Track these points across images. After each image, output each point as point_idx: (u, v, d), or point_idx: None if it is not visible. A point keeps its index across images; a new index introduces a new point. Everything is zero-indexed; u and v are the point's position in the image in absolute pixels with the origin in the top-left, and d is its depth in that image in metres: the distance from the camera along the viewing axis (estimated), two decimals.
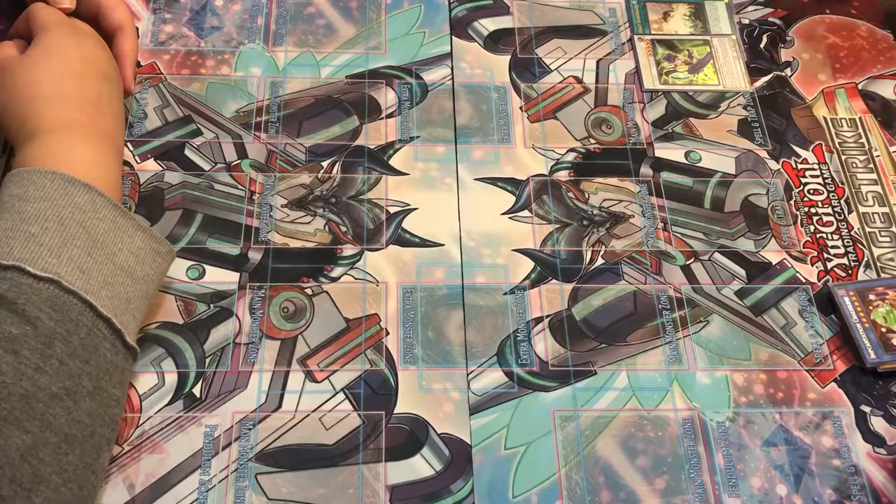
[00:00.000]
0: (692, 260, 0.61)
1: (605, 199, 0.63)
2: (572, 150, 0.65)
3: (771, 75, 0.70)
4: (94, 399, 0.46)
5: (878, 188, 0.65)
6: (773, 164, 0.66)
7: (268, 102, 0.65)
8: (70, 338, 0.45)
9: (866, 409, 0.56)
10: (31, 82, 0.54)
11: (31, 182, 0.49)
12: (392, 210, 0.61)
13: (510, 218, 0.62)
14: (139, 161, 0.62)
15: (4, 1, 0.67)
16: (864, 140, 0.67)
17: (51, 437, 0.43)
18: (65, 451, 0.44)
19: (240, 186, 0.62)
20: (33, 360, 0.44)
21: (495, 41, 0.70)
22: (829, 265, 0.61)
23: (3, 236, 0.47)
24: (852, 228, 0.63)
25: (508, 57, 0.69)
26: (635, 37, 0.71)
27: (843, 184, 0.65)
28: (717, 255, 0.61)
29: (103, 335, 0.47)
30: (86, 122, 0.54)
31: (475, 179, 0.63)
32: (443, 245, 0.60)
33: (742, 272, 0.61)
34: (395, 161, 0.64)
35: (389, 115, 0.66)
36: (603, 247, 0.61)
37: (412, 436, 0.53)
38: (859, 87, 0.70)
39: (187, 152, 0.63)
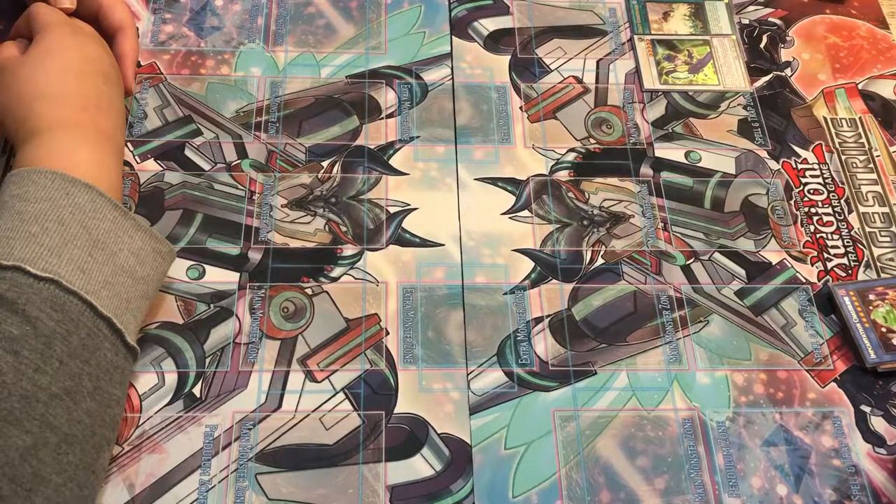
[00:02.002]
0: (692, 260, 0.61)
1: (605, 199, 0.63)
2: (572, 150, 0.65)
3: (771, 75, 0.70)
4: (94, 399, 0.46)
5: (878, 188, 0.65)
6: (773, 164, 0.66)
7: (268, 102, 0.65)
8: (70, 338, 0.45)
9: (866, 408, 0.56)
10: (32, 82, 0.54)
11: (32, 182, 0.49)
12: (392, 210, 0.61)
13: (510, 218, 0.62)
14: (139, 161, 0.62)
15: (4, 1, 0.67)
16: (864, 140, 0.67)
17: (51, 437, 0.43)
18: (65, 451, 0.44)
19: (240, 186, 0.62)
20: (33, 361, 0.44)
21: (495, 41, 0.70)
22: (829, 265, 0.61)
23: (4, 236, 0.47)
24: (852, 228, 0.63)
25: (508, 57, 0.69)
26: (635, 37, 0.71)
27: (843, 184, 0.65)
28: (717, 255, 0.61)
29: (104, 335, 0.47)
30: (86, 121, 0.54)
31: (475, 179, 0.63)
32: (443, 245, 0.60)
33: (742, 272, 0.61)
34: (395, 161, 0.64)
35: (389, 115, 0.66)
36: (603, 247, 0.61)
37: (412, 436, 0.53)
38: (859, 87, 0.70)
39: (187, 152, 0.63)
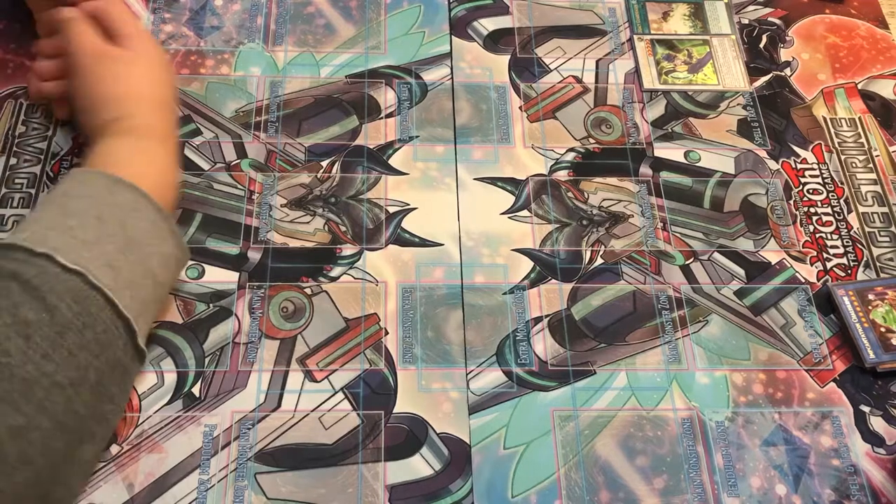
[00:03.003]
0: (691, 260, 0.61)
1: (604, 199, 0.63)
2: (572, 149, 0.65)
3: (770, 75, 0.70)
4: (94, 394, 0.46)
5: (877, 188, 0.65)
6: (772, 164, 0.66)
7: (267, 102, 0.65)
8: (85, 331, 0.45)
9: (865, 408, 0.56)
10: (133, 81, 0.56)
11: (81, 181, 0.51)
12: (391, 210, 0.61)
13: (509, 218, 0.62)
14: None
15: (4, 1, 0.67)
16: (863, 140, 0.67)
17: (44, 423, 0.43)
18: (54, 437, 0.44)
19: (239, 186, 0.62)
20: (43, 347, 0.44)
21: (495, 41, 0.70)
22: (829, 265, 0.61)
23: (43, 226, 0.48)
24: (851, 228, 0.63)
25: (508, 57, 0.69)
26: (635, 36, 0.71)
27: (842, 184, 0.65)
28: (717, 255, 0.61)
29: (119, 334, 0.47)
30: (164, 129, 0.56)
31: (475, 179, 0.63)
32: (442, 245, 0.60)
33: (741, 272, 0.61)
34: (395, 161, 0.64)
35: (389, 115, 0.66)
36: (602, 246, 0.61)
37: (411, 435, 0.53)
38: (859, 86, 0.70)
39: (187, 152, 0.63)
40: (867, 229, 0.63)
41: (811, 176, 0.65)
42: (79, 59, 0.56)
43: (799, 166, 0.66)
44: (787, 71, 0.71)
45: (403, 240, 0.60)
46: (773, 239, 0.62)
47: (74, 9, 0.58)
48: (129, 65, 0.56)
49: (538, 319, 0.58)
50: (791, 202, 0.64)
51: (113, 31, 0.58)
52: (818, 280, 0.61)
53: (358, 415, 0.54)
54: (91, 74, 0.56)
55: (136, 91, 0.56)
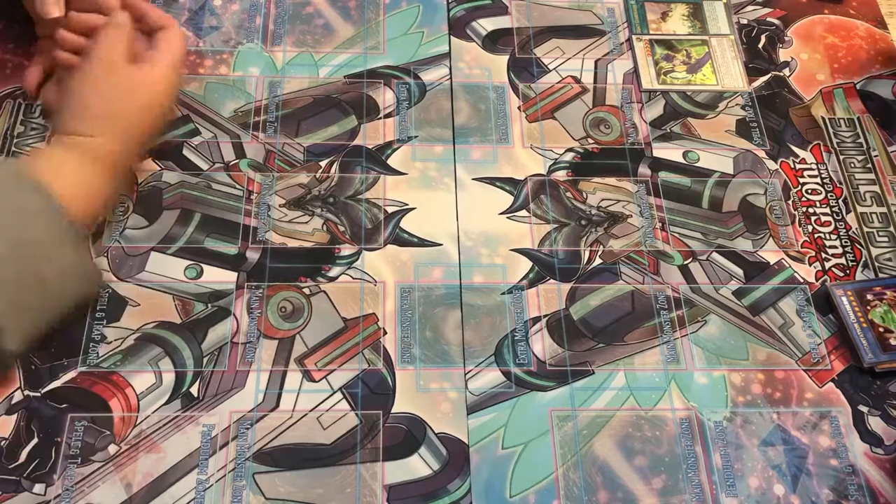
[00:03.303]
0: (690, 260, 0.61)
1: (603, 199, 0.63)
2: (570, 149, 0.65)
3: (769, 75, 0.70)
4: None
5: (875, 188, 0.65)
6: (771, 164, 0.66)
7: (266, 102, 0.65)
8: None
9: (864, 408, 0.56)
10: (123, 107, 0.55)
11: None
12: (390, 210, 0.61)
13: (508, 218, 0.62)
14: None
15: (2, 1, 0.67)
16: (862, 140, 0.67)
17: None
18: None
19: (238, 186, 0.62)
20: None
21: (494, 41, 0.70)
22: (827, 265, 0.61)
23: None
24: (850, 228, 0.63)
25: (507, 57, 0.69)
26: (633, 37, 0.71)
27: (841, 184, 0.65)
28: (715, 255, 0.61)
29: None
30: (121, 161, 0.56)
31: (473, 179, 0.63)
32: (441, 245, 0.60)
33: (740, 272, 0.61)
34: (394, 161, 0.64)
35: (388, 115, 0.66)
36: (601, 246, 0.61)
37: (410, 435, 0.53)
38: (857, 87, 0.70)
39: (185, 152, 0.63)
40: (866, 229, 0.63)
41: (810, 176, 0.65)
42: (92, 63, 0.56)
43: (798, 166, 0.66)
44: (786, 71, 0.71)
45: (402, 240, 0.60)
46: (771, 239, 0.62)
47: (127, 14, 0.58)
48: (132, 89, 0.55)
49: (536, 319, 0.58)
50: (790, 202, 0.64)
51: (157, 43, 0.57)
52: (817, 280, 0.61)
53: (356, 415, 0.54)
54: (90, 83, 0.55)
55: (118, 115, 0.55)
